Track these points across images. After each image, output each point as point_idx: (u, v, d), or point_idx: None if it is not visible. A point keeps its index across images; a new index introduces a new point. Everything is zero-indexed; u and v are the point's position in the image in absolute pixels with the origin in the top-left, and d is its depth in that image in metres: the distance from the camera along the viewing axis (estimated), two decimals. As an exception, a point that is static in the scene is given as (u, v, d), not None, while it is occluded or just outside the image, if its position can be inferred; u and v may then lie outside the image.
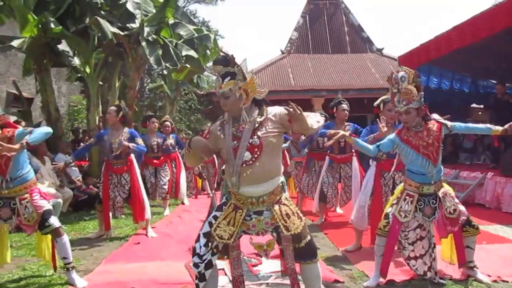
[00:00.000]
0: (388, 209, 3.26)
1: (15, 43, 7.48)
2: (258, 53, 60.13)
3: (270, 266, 3.65)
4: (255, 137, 2.32)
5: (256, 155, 2.31)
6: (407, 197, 3.16)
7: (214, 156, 9.52)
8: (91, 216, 6.42)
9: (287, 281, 3.28)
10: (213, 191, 6.91)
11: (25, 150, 3.32)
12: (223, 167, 2.56)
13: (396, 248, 3.22)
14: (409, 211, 3.11)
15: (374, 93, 11.00)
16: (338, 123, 4.92)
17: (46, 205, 3.36)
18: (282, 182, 2.47)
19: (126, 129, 5.04)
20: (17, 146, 3.08)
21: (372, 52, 16.86)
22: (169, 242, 4.84)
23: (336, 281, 3.27)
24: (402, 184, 3.31)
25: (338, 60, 16.22)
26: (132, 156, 5.12)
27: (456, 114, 4.85)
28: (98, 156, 8.35)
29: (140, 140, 5.06)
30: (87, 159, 9.65)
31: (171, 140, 6.87)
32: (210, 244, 2.36)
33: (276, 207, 2.39)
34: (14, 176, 3.23)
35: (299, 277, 2.49)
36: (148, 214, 5.09)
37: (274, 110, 2.43)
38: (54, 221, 3.33)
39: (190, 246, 4.47)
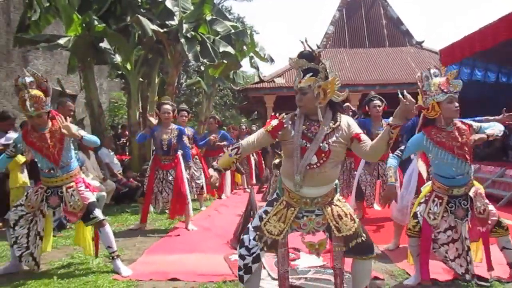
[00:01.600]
0: (416, 208, 3.15)
1: (61, 41, 7.82)
2: (288, 47, 59.66)
3: (308, 260, 3.66)
4: (325, 142, 2.29)
5: (322, 161, 2.29)
6: (436, 199, 3.03)
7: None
8: (132, 208, 6.64)
9: (326, 276, 3.30)
10: (251, 187, 6.94)
11: (72, 142, 3.52)
12: (276, 161, 2.56)
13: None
14: (438, 213, 2.99)
15: (414, 87, 10.67)
16: (374, 120, 4.86)
17: (91, 197, 3.51)
18: (335, 185, 2.46)
19: (174, 126, 5.18)
20: (78, 134, 3.30)
21: (411, 46, 16.40)
22: (207, 235, 4.93)
23: (376, 278, 3.23)
24: (429, 183, 3.17)
25: (375, 54, 15.88)
26: (179, 153, 5.25)
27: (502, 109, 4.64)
28: (138, 151, 8.60)
29: (186, 139, 5.26)
30: (127, 153, 9.99)
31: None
32: (259, 238, 2.38)
33: (328, 208, 2.39)
34: (61, 165, 3.41)
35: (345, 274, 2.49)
36: (190, 210, 5.22)
37: (348, 121, 2.39)
38: (99, 213, 3.48)
39: (229, 240, 4.57)
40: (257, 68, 12.05)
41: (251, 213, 4.60)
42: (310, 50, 2.32)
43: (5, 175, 5.41)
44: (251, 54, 10.53)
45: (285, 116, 2.40)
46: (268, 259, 3.48)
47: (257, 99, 14.35)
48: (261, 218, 2.43)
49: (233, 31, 9.04)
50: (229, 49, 8.51)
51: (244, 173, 9.23)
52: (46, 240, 3.58)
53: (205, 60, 7.94)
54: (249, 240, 2.39)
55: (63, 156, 3.40)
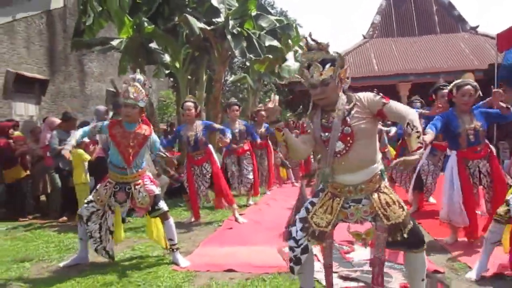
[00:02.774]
0: (509, 196, 2.98)
1: (113, 43, 8.19)
2: (328, 40, 58.49)
3: (363, 253, 3.61)
4: (346, 126, 2.27)
5: (349, 144, 2.26)
6: None
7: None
8: (184, 203, 6.83)
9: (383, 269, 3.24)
10: (301, 181, 6.91)
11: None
12: (319, 156, 2.56)
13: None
14: None
15: (469, 75, 10.18)
16: (440, 112, 4.55)
17: (156, 190, 3.67)
18: (380, 170, 2.39)
19: (199, 122, 5.28)
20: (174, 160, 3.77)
21: (465, 31, 15.61)
22: (259, 228, 4.99)
23: (436, 272, 3.14)
24: None
25: (426, 42, 15.28)
26: (210, 146, 5.36)
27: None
28: (188, 147, 8.83)
29: (216, 125, 5.42)
30: (178, 150, 10.27)
31: (262, 129, 7.06)
32: (306, 229, 2.38)
33: (375, 195, 2.33)
34: (134, 164, 3.58)
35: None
36: (232, 200, 5.32)
37: (361, 96, 2.36)
38: (163, 205, 3.63)
39: (281, 232, 4.59)
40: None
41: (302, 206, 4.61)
42: (317, 42, 2.30)
43: (69, 172, 5.76)
44: (296, 47, 10.49)
45: (306, 119, 2.45)
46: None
47: (303, 93, 14.24)
48: (307, 210, 2.43)
49: (277, 25, 9.04)
50: (275, 43, 8.54)
51: (289, 166, 9.21)
52: (118, 233, 3.76)
53: (251, 56, 8.00)
54: (296, 231, 2.39)
55: (136, 159, 3.58)
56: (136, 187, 3.57)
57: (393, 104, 2.31)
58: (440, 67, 13.19)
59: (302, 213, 2.46)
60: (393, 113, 2.29)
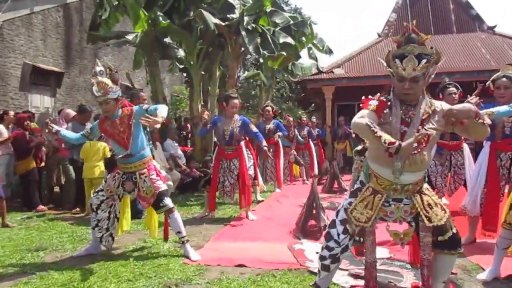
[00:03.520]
0: None
1: (129, 37, 8.24)
2: (341, 38, 58.13)
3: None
4: (423, 127, 2.23)
5: (422, 146, 2.21)
6: None
7: (311, 143, 9.55)
8: (196, 197, 6.89)
9: (393, 268, 3.23)
10: (313, 177, 6.89)
11: (143, 130, 3.71)
12: (358, 147, 2.51)
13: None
14: None
15: (485, 75, 10.01)
16: None
17: (162, 185, 3.70)
18: (425, 173, 2.40)
19: (237, 117, 5.28)
20: (159, 119, 3.37)
21: (482, 31, 15.35)
22: (270, 224, 5.00)
23: (449, 273, 3.11)
24: None
25: (442, 41, 15.03)
26: (242, 143, 5.36)
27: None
28: (201, 143, 8.87)
29: (253, 127, 5.36)
30: (190, 145, 10.33)
31: (270, 125, 7.01)
32: (347, 231, 2.37)
33: (418, 196, 2.33)
34: (135, 152, 3.62)
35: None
36: (250, 202, 5.34)
37: (440, 105, 2.31)
38: (168, 202, 3.67)
39: (291, 229, 4.61)
40: (316, 59, 11.91)
41: (314, 204, 4.60)
42: (418, 35, 2.23)
43: (82, 165, 5.84)
44: (309, 45, 10.43)
45: (384, 98, 2.32)
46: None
47: (315, 91, 14.17)
48: (346, 210, 2.40)
49: (292, 22, 9.00)
50: (289, 40, 8.50)
51: (303, 164, 9.20)
52: (125, 221, 3.86)
53: (265, 52, 7.98)
54: (338, 234, 2.38)
55: (132, 144, 3.59)
56: (142, 176, 3.63)
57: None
58: (456, 67, 12.99)
59: (342, 214, 2.44)
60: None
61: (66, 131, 3.92)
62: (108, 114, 3.62)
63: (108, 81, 3.52)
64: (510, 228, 2.93)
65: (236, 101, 5.20)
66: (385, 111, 2.28)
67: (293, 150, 8.76)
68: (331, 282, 2.95)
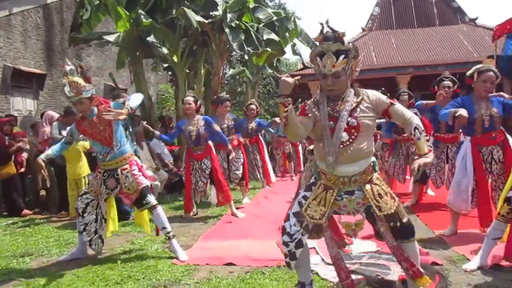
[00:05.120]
0: (510, 193, 2.93)
1: (111, 38, 8.14)
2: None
3: (362, 246, 3.63)
4: (352, 118, 2.28)
5: (353, 136, 2.27)
6: None
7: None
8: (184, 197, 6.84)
9: (381, 261, 3.26)
10: (300, 174, 6.90)
11: (121, 125, 3.65)
12: (310, 147, 2.55)
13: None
14: None
15: (468, 67, 10.12)
16: (441, 103, 4.44)
17: (145, 181, 3.65)
18: (373, 162, 2.42)
19: (199, 117, 5.29)
20: (124, 110, 3.35)
21: (464, 23, 15.56)
22: (258, 221, 5.00)
23: (434, 263, 3.16)
24: None
25: (425, 34, 15.24)
26: (210, 142, 5.36)
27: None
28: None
29: (217, 127, 5.33)
30: (177, 144, 10.26)
31: (252, 124, 6.96)
32: (300, 223, 2.39)
33: (368, 186, 2.35)
34: (116, 143, 3.56)
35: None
36: (230, 198, 5.29)
37: (369, 93, 2.37)
38: (151, 199, 3.62)
39: (280, 226, 4.60)
40: (300, 55, 11.92)
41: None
42: (333, 31, 2.25)
43: (64, 165, 5.76)
44: (294, 41, 10.42)
45: (308, 102, 2.41)
46: (322, 245, 3.48)
47: (302, 86, 14.22)
48: (300, 204, 2.43)
49: (275, 18, 8.98)
50: (273, 36, 8.49)
51: (293, 159, 9.24)
52: (112, 221, 3.81)
53: (249, 49, 7.96)
54: (290, 226, 2.40)
55: (115, 139, 3.54)
56: (123, 172, 3.59)
57: (399, 106, 2.39)
58: (439, 59, 13.17)
59: (295, 207, 2.46)
60: (397, 115, 2.37)
61: (50, 151, 3.81)
62: (84, 113, 3.56)
63: (80, 80, 3.43)
64: (503, 220, 2.95)
65: (188, 98, 5.25)
66: (314, 111, 2.34)
67: (289, 142, 8.77)
68: (320, 278, 2.97)
